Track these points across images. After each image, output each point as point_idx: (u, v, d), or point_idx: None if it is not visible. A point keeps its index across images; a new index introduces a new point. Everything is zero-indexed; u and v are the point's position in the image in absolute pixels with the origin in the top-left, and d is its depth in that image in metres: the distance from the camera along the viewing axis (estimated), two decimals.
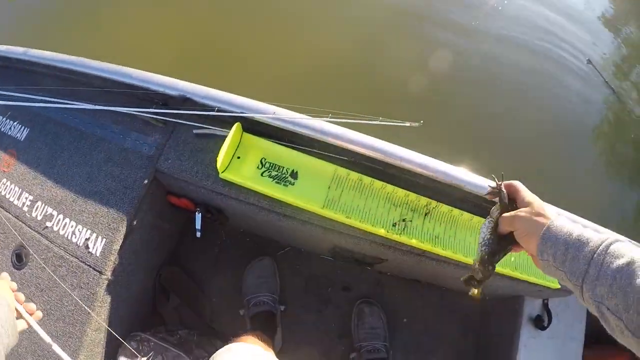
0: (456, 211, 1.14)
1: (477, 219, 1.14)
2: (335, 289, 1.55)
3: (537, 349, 1.36)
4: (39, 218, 1.17)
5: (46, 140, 1.25)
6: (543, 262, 0.64)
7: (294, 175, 1.10)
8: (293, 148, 1.12)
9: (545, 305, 1.40)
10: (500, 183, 0.74)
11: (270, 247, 1.55)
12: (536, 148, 2.75)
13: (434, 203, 1.13)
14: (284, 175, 1.09)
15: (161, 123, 1.16)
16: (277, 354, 1.43)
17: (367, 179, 1.13)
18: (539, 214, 0.67)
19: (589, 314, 1.43)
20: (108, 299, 1.16)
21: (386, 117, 1.07)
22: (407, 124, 1.07)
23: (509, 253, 0.76)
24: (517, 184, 0.74)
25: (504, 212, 0.73)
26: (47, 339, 0.90)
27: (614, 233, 0.65)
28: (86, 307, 1.10)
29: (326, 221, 1.13)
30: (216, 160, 1.04)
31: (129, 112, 1.12)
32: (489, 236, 0.75)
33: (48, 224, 1.16)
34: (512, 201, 0.74)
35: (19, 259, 1.16)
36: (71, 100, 1.19)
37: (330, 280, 1.55)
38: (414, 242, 1.08)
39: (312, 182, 1.10)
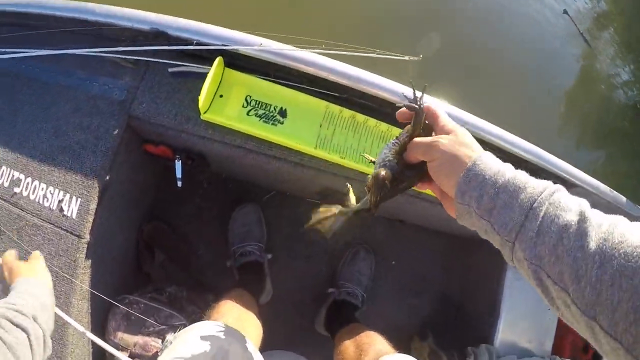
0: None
1: None
2: (322, 233, 1.50)
3: (520, 290, 1.37)
4: (6, 185, 1.03)
5: (2, 97, 1.12)
6: (462, 206, 0.50)
7: (283, 113, 1.02)
8: (280, 84, 1.04)
9: None
10: (421, 97, 0.57)
11: (254, 192, 1.49)
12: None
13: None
14: (271, 114, 1.01)
15: (131, 63, 1.02)
16: (267, 304, 1.40)
17: (360, 117, 1.07)
18: (464, 145, 0.52)
19: None
20: (90, 263, 1.07)
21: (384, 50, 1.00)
22: (406, 58, 1.00)
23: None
24: (438, 108, 0.57)
25: (416, 136, 0.57)
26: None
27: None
28: (68, 276, 1.02)
29: (319, 162, 1.06)
30: (197, 101, 0.95)
31: (94, 53, 0.98)
32: (390, 158, 0.59)
33: (16, 189, 1.03)
34: (428, 127, 0.58)
35: None
36: (27, 48, 1.06)
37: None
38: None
39: (303, 120, 1.02)
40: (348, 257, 1.46)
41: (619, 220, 0.41)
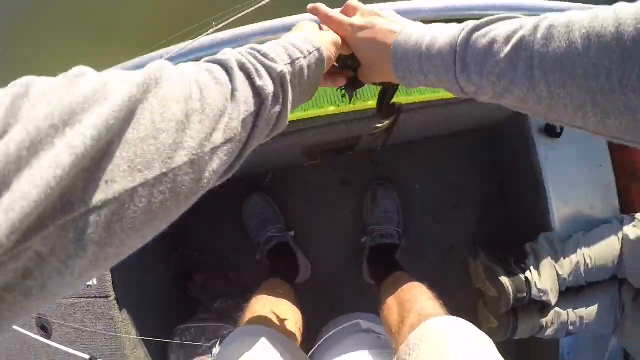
0: None
1: None
2: (334, 189, 1.48)
3: (560, 158, 1.22)
4: None
5: None
6: (408, 83, 0.55)
7: None
8: None
9: None
10: None
11: (252, 182, 1.46)
12: None
13: None
14: None
15: None
16: (312, 278, 1.40)
17: None
18: (372, 20, 0.57)
19: None
20: (126, 315, 1.11)
21: None
22: None
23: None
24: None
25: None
26: None
27: None
28: (112, 333, 1.07)
29: (307, 122, 1.01)
30: None
31: None
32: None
33: None
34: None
35: (44, 329, 1.14)
36: None
37: (325, 184, 1.48)
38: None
39: None
40: (368, 202, 1.41)
41: (528, 32, 0.41)
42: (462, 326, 0.67)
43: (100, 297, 1.08)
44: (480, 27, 0.46)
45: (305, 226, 1.45)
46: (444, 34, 0.49)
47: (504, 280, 1.14)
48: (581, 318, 1.14)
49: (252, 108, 0.41)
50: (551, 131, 1.20)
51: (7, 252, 0.21)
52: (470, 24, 0.47)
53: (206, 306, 1.29)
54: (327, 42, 0.56)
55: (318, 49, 0.52)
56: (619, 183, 1.21)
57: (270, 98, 0.43)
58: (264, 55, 0.45)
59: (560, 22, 0.38)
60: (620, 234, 1.11)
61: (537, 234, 1.22)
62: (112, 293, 1.08)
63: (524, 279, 1.14)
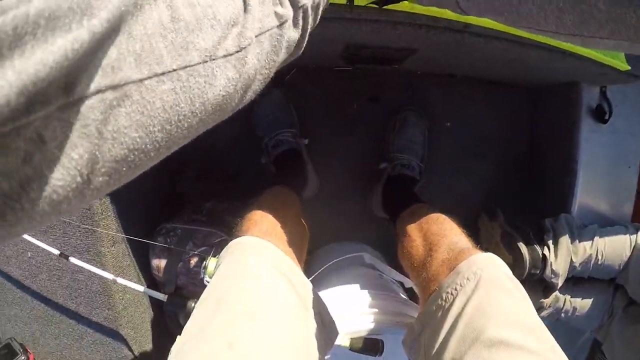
0: None
1: None
2: (362, 103, 1.29)
3: (597, 144, 1.17)
4: None
5: None
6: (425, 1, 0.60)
7: None
8: None
9: (604, 94, 1.15)
10: None
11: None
12: None
13: None
14: None
15: None
16: (317, 196, 1.28)
17: None
18: None
19: None
20: (107, 206, 0.96)
21: None
22: None
23: None
24: None
25: None
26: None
27: None
28: (89, 227, 0.92)
29: (332, 8, 0.81)
30: None
31: None
32: None
33: None
34: None
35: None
36: None
37: (352, 95, 1.28)
38: (448, 12, 0.78)
39: None
40: (397, 125, 1.23)
41: None
42: (507, 271, 0.64)
43: None
44: None
45: (319, 138, 1.27)
46: None
47: (523, 247, 1.07)
48: (574, 309, 1.13)
49: (267, 26, 0.41)
50: (600, 114, 1.15)
51: (14, 119, 0.20)
52: None
53: (197, 206, 1.14)
54: None
55: None
56: (637, 191, 1.22)
57: (288, 23, 0.44)
58: None
59: None
60: (633, 241, 1.08)
61: (554, 212, 1.18)
62: None
63: (540, 254, 1.08)
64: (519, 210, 1.38)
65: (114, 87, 0.26)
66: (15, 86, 0.20)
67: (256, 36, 0.39)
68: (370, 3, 0.77)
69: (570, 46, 0.88)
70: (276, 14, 0.42)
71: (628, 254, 1.07)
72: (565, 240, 1.08)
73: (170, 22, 0.30)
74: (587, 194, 1.18)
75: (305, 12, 0.46)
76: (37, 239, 0.99)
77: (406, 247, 0.83)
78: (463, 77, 1.32)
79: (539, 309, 1.14)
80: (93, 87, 0.25)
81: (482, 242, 1.26)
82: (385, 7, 0.77)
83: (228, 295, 0.56)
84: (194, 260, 1.01)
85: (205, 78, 0.33)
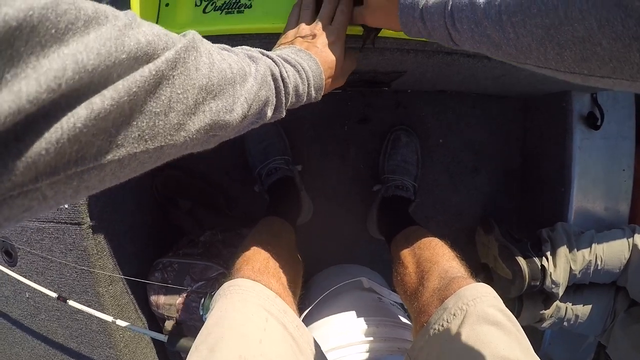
0: None
1: None
2: (352, 125, 1.29)
3: (591, 151, 1.16)
4: None
5: None
6: (413, 34, 0.59)
7: None
8: None
9: (595, 101, 1.15)
10: None
11: None
12: None
13: None
14: (233, 0, 0.74)
15: None
16: (312, 220, 1.27)
17: None
18: None
19: (638, 110, 1.20)
20: (103, 247, 0.96)
21: None
22: None
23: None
24: None
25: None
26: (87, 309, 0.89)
27: None
28: (85, 268, 0.93)
29: None
30: None
31: None
32: None
33: None
34: None
35: (9, 255, 1.03)
36: None
37: (342, 117, 1.28)
38: None
39: None
40: (388, 146, 1.23)
41: None
42: (496, 302, 0.63)
43: (71, 224, 0.92)
44: None
45: (311, 161, 1.27)
46: None
47: (521, 261, 1.07)
48: (577, 316, 1.12)
49: (252, 116, 0.46)
50: (592, 121, 1.15)
51: (22, 186, 0.23)
52: None
53: (191, 239, 1.14)
54: (327, 72, 0.60)
55: (318, 90, 0.58)
56: (634, 192, 1.21)
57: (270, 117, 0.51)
58: (285, 85, 0.51)
59: None
60: (630, 243, 1.07)
61: (550, 221, 1.18)
62: (87, 220, 0.92)
63: (539, 266, 1.07)
64: (517, 220, 1.38)
65: (113, 161, 0.29)
66: (25, 164, 0.22)
67: (239, 122, 0.43)
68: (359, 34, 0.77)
69: None
70: (263, 114, 0.48)
71: (627, 256, 1.06)
72: (563, 249, 1.07)
73: (176, 102, 0.33)
74: (583, 200, 1.18)
75: (286, 96, 0.52)
76: (34, 281, 0.99)
77: (400, 275, 0.83)
78: (453, 92, 1.32)
79: (540, 320, 1.13)
80: (99, 160, 0.28)
81: (481, 257, 1.26)
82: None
83: (220, 342, 0.56)
84: (192, 296, 1.01)
85: (184, 151, 0.37)
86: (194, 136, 0.36)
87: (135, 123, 0.30)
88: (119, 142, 0.29)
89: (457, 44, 0.55)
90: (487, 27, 0.48)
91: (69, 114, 0.24)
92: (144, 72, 0.29)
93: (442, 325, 0.60)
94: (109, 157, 0.28)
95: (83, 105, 0.25)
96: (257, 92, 0.45)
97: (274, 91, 0.50)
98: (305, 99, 0.57)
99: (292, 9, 0.69)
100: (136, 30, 0.29)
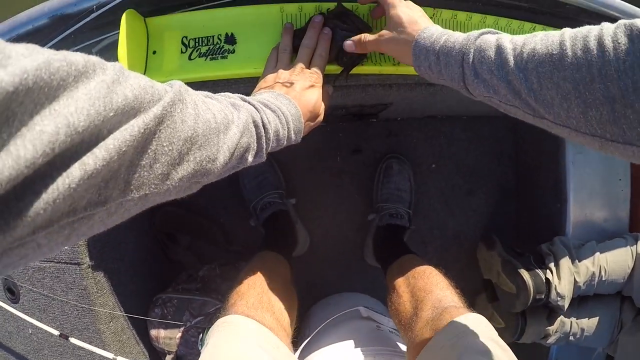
0: (476, 16, 0.80)
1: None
2: (345, 156, 1.32)
3: (585, 164, 1.17)
4: None
5: None
6: (423, 74, 0.60)
7: (230, 39, 0.78)
8: (216, 6, 0.80)
9: None
10: None
11: None
12: None
13: (430, 11, 0.79)
14: (217, 46, 0.78)
15: None
16: (309, 252, 1.29)
17: (325, 6, 0.82)
18: (411, 25, 0.60)
19: None
20: (103, 285, 0.99)
21: None
22: None
23: None
24: None
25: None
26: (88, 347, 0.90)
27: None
28: (86, 306, 0.96)
29: None
30: None
31: None
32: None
33: None
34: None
35: (12, 292, 1.04)
36: None
37: (334, 149, 1.32)
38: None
39: (257, 38, 0.77)
40: (380, 175, 1.26)
41: (528, 38, 0.47)
42: (489, 332, 0.64)
43: (71, 264, 0.95)
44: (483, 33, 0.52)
45: (306, 194, 1.30)
46: (459, 38, 0.54)
47: (525, 274, 1.06)
48: (582, 330, 1.11)
49: (236, 165, 0.49)
50: None
51: (17, 240, 0.24)
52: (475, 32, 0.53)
53: (190, 274, 1.16)
54: (305, 115, 0.63)
55: (297, 133, 0.61)
56: (633, 200, 1.20)
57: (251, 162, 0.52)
58: (266, 130, 0.53)
59: (552, 32, 0.45)
60: (634, 251, 1.06)
61: (549, 236, 1.17)
62: (86, 260, 0.95)
63: (544, 279, 1.06)
64: (516, 238, 1.38)
65: (101, 211, 0.30)
66: (25, 222, 0.23)
67: (220, 170, 0.45)
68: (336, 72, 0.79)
69: None
70: (244, 160, 0.50)
71: (631, 265, 1.05)
72: (566, 262, 1.07)
73: (162, 154, 0.35)
74: (581, 214, 1.17)
75: (267, 141, 0.53)
76: (36, 318, 1.01)
77: (394, 304, 0.84)
78: (443, 117, 1.35)
79: (546, 336, 1.12)
80: (88, 211, 0.29)
81: (484, 273, 1.26)
82: (350, 72, 0.79)
83: None
84: (191, 331, 1.03)
85: (162, 197, 0.38)
86: (177, 184, 0.38)
87: (122, 177, 0.31)
88: (107, 194, 0.30)
89: (468, 87, 0.54)
90: (509, 73, 0.46)
91: (64, 175, 0.25)
92: (134, 131, 0.30)
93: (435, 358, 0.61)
94: (99, 208, 0.30)
95: (76, 166, 0.26)
96: (239, 140, 0.46)
97: (255, 137, 0.51)
98: (285, 143, 0.58)
99: (270, 52, 0.72)
100: (124, 85, 0.30)
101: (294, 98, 0.61)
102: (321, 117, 0.70)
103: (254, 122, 0.51)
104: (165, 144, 0.34)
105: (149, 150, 0.33)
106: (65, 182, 0.25)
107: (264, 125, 0.52)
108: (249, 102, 0.53)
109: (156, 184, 0.35)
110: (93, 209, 0.29)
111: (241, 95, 0.55)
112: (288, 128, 0.57)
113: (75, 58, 0.26)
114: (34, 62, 0.22)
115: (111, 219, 0.33)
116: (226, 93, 0.54)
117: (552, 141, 1.19)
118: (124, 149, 0.29)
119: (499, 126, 1.37)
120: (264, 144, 0.53)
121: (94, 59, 0.29)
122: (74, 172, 0.25)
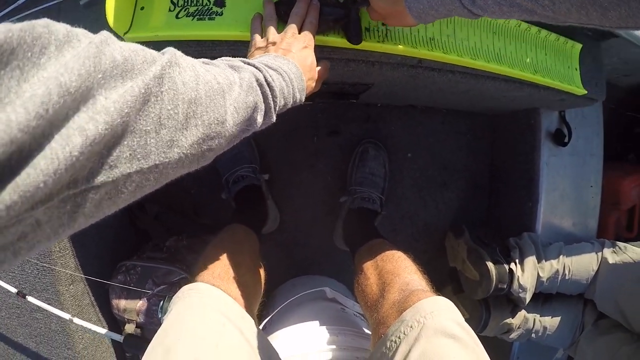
0: None
1: None
2: (322, 137, 1.32)
3: (559, 167, 1.21)
4: None
5: None
6: (420, 15, 0.60)
7: (219, 2, 0.76)
8: None
9: (563, 118, 1.20)
10: None
11: None
12: None
13: None
14: (206, 8, 0.76)
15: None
16: (278, 230, 1.29)
17: None
18: None
19: (605, 127, 1.25)
20: (66, 245, 0.96)
21: None
22: None
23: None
24: None
25: None
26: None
27: None
28: (47, 265, 0.92)
29: None
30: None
31: None
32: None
33: None
34: None
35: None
36: None
37: (312, 129, 1.31)
38: (400, 48, 0.79)
39: (247, 4, 0.76)
40: (356, 159, 1.26)
41: None
42: (455, 316, 0.63)
43: None
44: None
45: (280, 172, 1.29)
46: None
47: (489, 264, 1.09)
48: (545, 328, 1.14)
49: (245, 127, 0.49)
50: (559, 138, 1.19)
51: (17, 216, 0.22)
52: None
53: (157, 243, 1.14)
54: (306, 74, 0.62)
55: (301, 92, 0.60)
56: (602, 207, 1.26)
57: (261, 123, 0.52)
58: (271, 89, 0.52)
59: None
60: (599, 256, 1.10)
61: (520, 230, 1.21)
62: None
63: (507, 270, 1.09)
64: (487, 232, 1.41)
65: (107, 183, 0.29)
66: (22, 201, 0.22)
67: (230, 135, 0.44)
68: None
69: (528, 76, 0.90)
70: (253, 119, 0.49)
71: (595, 268, 1.08)
72: (531, 256, 1.10)
73: (166, 118, 0.34)
74: (551, 215, 1.21)
75: (274, 100, 0.53)
76: None
77: (361, 286, 0.83)
78: (423, 108, 1.36)
79: (508, 331, 1.15)
80: (92, 182, 0.28)
81: (449, 261, 1.29)
82: (335, 46, 0.79)
83: (176, 344, 0.57)
84: (152, 300, 1.01)
85: (181, 170, 0.39)
86: (188, 151, 0.37)
87: (126, 143, 0.30)
88: (111, 163, 0.29)
89: (478, 14, 0.54)
90: None
91: (64, 143, 0.24)
92: (134, 92, 0.29)
93: (399, 337, 0.60)
94: (102, 178, 0.28)
95: (77, 132, 0.25)
96: (245, 99, 0.46)
97: (261, 97, 0.50)
98: (291, 102, 0.58)
99: (252, 21, 0.70)
100: (112, 46, 0.29)
101: (292, 58, 0.60)
102: (319, 83, 0.71)
103: (258, 81, 0.50)
104: (169, 107, 0.34)
105: (152, 114, 0.32)
106: (65, 150, 0.24)
107: (268, 84, 0.52)
108: (249, 64, 0.52)
109: (165, 152, 0.34)
110: (96, 179, 0.28)
111: (241, 58, 0.54)
112: (292, 86, 0.57)
113: (57, 27, 0.26)
114: (18, 25, 0.22)
115: (121, 196, 0.32)
116: (223, 57, 0.53)
117: (528, 142, 1.22)
118: (126, 111, 0.29)
119: (478, 123, 1.39)
120: (272, 103, 0.52)
121: (78, 30, 0.28)
122: (75, 139, 0.24)
